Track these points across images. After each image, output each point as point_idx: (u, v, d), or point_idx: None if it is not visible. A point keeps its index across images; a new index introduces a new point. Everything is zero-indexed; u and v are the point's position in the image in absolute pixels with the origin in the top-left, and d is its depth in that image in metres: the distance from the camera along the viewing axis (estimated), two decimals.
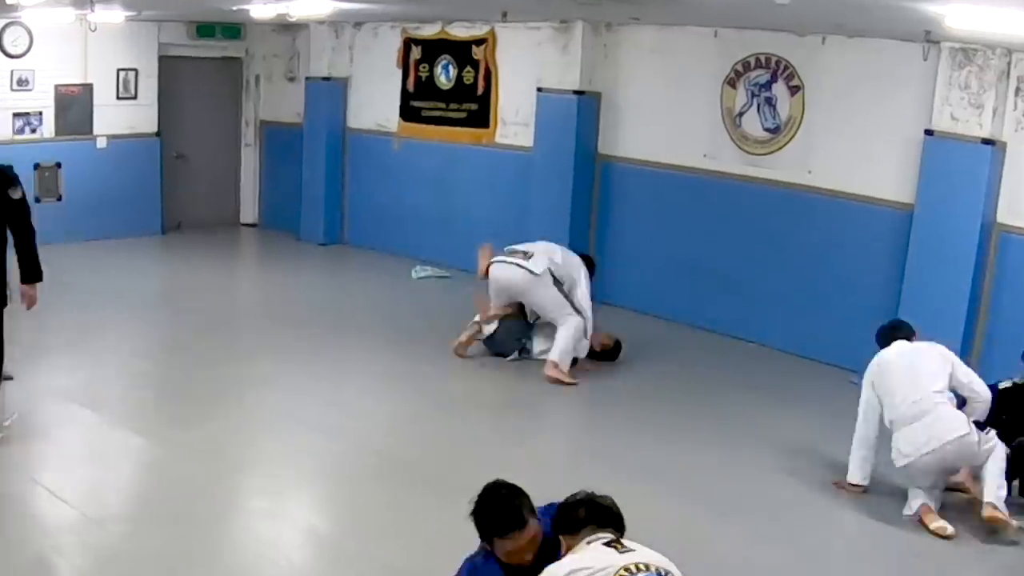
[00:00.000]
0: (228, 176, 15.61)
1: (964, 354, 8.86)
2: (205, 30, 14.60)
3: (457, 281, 12.52)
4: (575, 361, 9.35)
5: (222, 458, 7.26)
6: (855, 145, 9.93)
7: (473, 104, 13.00)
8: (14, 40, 12.88)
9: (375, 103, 14.11)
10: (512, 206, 12.51)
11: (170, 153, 14.69)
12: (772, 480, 7.42)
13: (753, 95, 10.58)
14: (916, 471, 6.72)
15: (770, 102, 10.46)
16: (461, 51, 13.07)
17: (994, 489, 6.57)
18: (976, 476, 6.84)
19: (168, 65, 14.38)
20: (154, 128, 14.31)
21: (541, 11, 11.20)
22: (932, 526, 6.69)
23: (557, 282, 9.39)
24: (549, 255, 9.45)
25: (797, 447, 7.99)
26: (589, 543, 4.06)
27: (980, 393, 6.87)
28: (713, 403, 8.99)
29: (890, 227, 9.65)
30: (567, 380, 9.11)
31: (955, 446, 6.61)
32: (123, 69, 13.90)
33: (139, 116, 14.12)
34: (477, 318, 9.71)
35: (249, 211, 15.81)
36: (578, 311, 9.36)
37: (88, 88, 13.60)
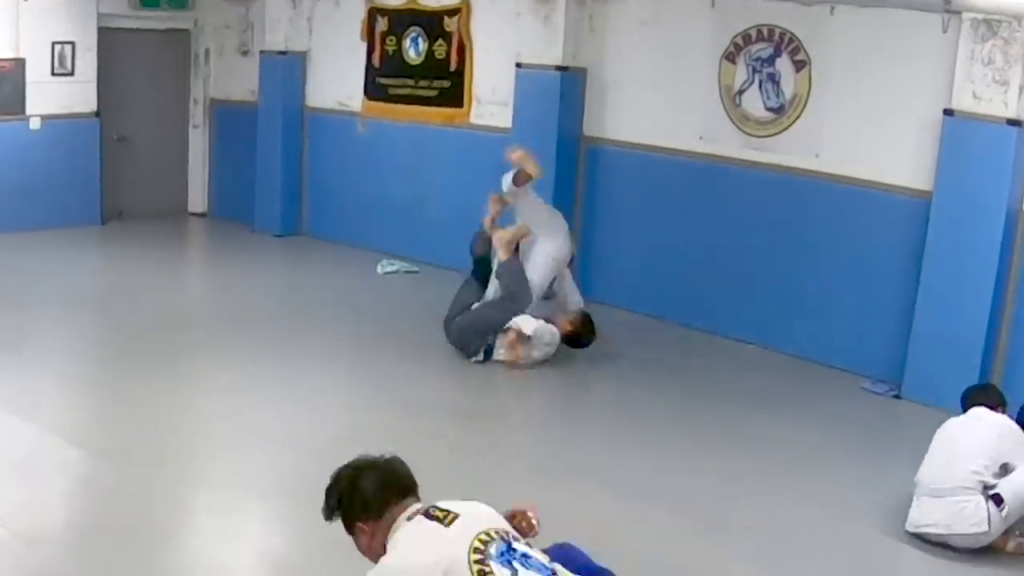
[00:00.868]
0: (175, 160, 15.55)
1: (988, 355, 8.94)
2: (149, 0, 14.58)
3: (427, 276, 12.58)
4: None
5: (167, 471, 7.21)
6: (867, 126, 9.91)
7: (445, 81, 12.99)
8: None
9: (337, 80, 14.11)
10: (488, 194, 12.31)
11: (111, 135, 14.62)
12: (772, 498, 7.40)
13: (754, 71, 10.57)
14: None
15: (773, 79, 10.44)
16: (432, 22, 13.05)
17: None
18: None
19: (108, 38, 14.31)
20: (93, 107, 14.25)
21: None
22: None
23: None
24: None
25: (801, 462, 8.00)
26: (409, 520, 4.20)
27: None
28: (707, 412, 8.99)
29: (906, 216, 9.64)
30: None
31: (965, 540, 6.62)
32: (59, 42, 13.80)
33: (76, 94, 14.05)
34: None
35: (198, 199, 15.76)
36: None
37: (20, 63, 13.51)
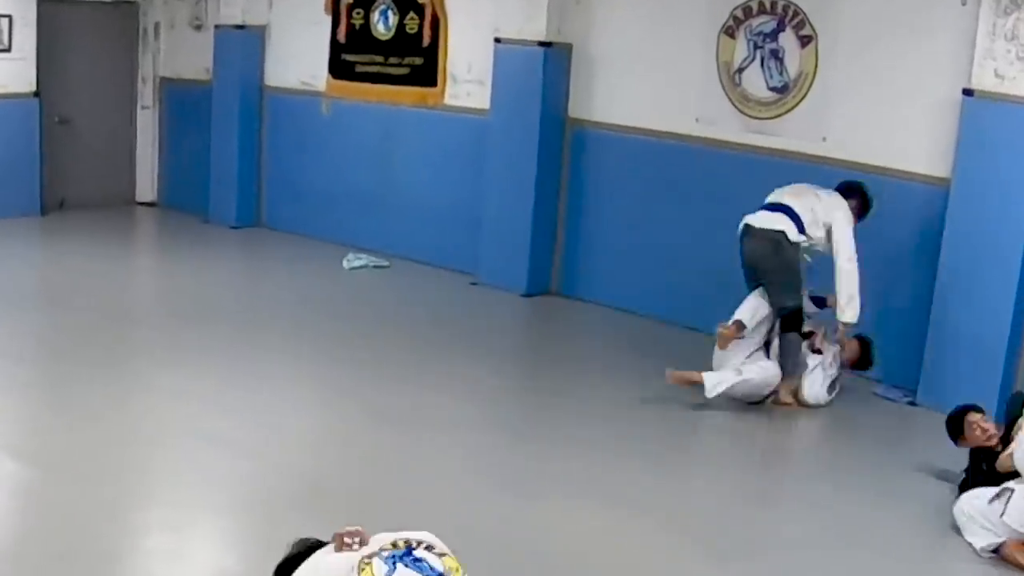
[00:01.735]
0: (122, 145, 15.60)
1: (1011, 357, 8.96)
2: None
3: (397, 272, 12.51)
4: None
5: (113, 485, 7.14)
6: (879, 108, 9.89)
7: (417, 58, 13.00)
8: None
9: (299, 57, 14.16)
10: (464, 182, 12.57)
11: (51, 117, 14.65)
12: (778, 514, 7.39)
13: (756, 47, 10.57)
14: None
15: (776, 55, 10.45)
16: None
17: None
18: None
19: (49, 11, 14.31)
20: (32, 87, 14.26)
21: None
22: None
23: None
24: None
25: (806, 475, 8.00)
26: None
27: None
28: (705, 420, 8.97)
29: (921, 205, 9.63)
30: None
31: None
32: None
33: (13, 73, 14.05)
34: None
35: (147, 187, 15.82)
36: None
37: None
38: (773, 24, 10.42)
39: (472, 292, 12.16)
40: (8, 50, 13.89)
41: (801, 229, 9.05)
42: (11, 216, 13.94)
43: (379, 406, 8.83)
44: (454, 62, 12.73)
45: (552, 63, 11.74)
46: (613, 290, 11.67)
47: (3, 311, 10.60)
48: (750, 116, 10.67)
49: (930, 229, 9.47)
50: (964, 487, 7.11)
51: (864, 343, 9.47)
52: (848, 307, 8.97)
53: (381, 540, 4.43)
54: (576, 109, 11.87)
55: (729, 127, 10.79)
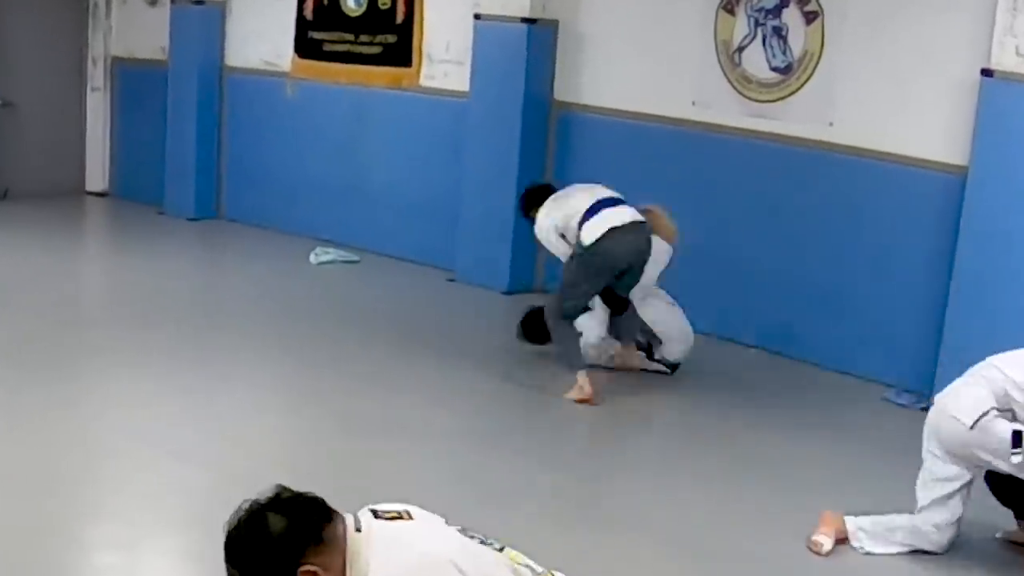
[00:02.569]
0: (70, 130, 15.64)
1: None
2: None
3: (368, 267, 12.56)
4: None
5: (57, 498, 7.08)
6: (890, 90, 9.87)
7: (390, 36, 13.01)
8: None
9: (262, 35, 14.21)
10: (441, 170, 12.63)
11: None
12: (773, 526, 7.32)
13: (757, 24, 10.59)
14: None
15: (779, 33, 10.46)
16: None
17: None
18: None
19: None
20: None
21: None
22: None
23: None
24: None
25: (808, 487, 7.95)
26: (361, 531, 4.14)
27: None
28: (704, 428, 8.96)
29: (936, 196, 9.62)
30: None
31: None
32: None
33: None
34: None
35: (97, 176, 15.86)
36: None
37: None
38: None
39: (450, 289, 12.18)
40: None
41: None
42: None
43: (350, 412, 8.80)
44: (430, 40, 12.73)
45: (537, 42, 11.77)
46: None
47: None
48: (751, 99, 10.67)
49: (945, 221, 9.47)
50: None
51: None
52: None
53: (432, 520, 4.33)
54: (563, 91, 11.90)
55: (728, 111, 10.78)
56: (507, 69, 11.80)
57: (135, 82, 15.34)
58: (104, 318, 11.09)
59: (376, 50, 13.09)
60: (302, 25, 13.69)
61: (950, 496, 6.66)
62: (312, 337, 10.41)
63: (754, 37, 10.57)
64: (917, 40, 9.69)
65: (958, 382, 6.84)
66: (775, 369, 10.35)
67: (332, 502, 6.38)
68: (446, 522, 4.28)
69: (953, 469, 6.64)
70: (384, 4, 12.94)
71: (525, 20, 11.68)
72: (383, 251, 12.66)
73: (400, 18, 12.84)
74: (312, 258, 13.00)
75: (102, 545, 6.69)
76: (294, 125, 13.92)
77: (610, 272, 9.17)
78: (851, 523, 6.95)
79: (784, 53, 10.41)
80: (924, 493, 6.78)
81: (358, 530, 4.13)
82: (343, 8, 13.29)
